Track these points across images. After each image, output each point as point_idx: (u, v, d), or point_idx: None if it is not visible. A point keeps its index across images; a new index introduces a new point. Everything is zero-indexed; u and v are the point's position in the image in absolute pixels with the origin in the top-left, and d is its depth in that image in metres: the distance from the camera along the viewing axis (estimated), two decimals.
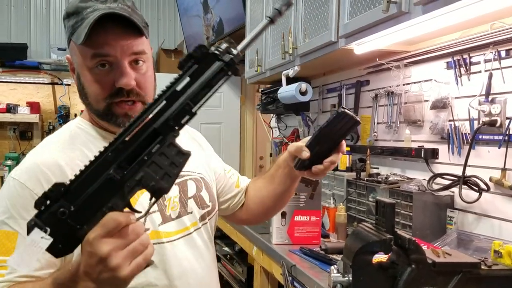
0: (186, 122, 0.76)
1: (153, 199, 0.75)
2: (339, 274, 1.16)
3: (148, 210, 0.76)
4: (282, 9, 0.79)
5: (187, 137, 1.24)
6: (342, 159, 2.32)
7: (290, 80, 2.65)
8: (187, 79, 0.75)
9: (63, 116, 5.15)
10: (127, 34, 0.95)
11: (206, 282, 1.12)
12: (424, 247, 1.36)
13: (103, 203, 0.71)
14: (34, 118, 5.40)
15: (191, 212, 1.12)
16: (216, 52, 0.75)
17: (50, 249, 0.69)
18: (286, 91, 2.57)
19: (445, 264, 1.09)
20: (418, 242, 1.07)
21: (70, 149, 0.99)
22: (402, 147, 2.05)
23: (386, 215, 1.08)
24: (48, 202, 0.70)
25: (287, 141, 3.30)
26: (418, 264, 1.08)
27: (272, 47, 2.74)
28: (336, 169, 2.36)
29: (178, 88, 0.75)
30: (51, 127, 5.24)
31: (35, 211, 0.79)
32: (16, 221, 0.89)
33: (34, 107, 5.44)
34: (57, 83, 5.31)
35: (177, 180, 0.97)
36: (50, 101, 5.54)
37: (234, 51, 0.76)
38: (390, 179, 2.00)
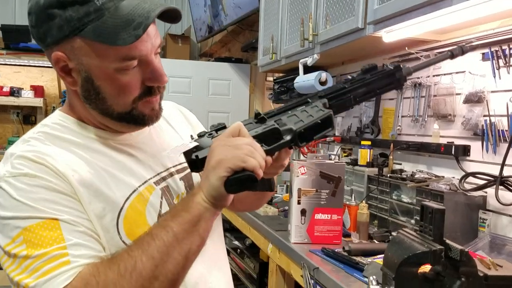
0: (340, 102, 0.92)
1: (284, 140, 0.84)
2: (378, 286, 1.05)
3: (279, 146, 0.84)
4: (465, 49, 0.95)
5: (182, 120, 1.13)
6: (363, 153, 2.21)
7: (307, 69, 2.53)
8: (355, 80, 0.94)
9: None
10: (153, 28, 0.84)
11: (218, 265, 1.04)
12: None
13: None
14: (38, 102, 5.31)
15: None
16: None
17: (188, 152, 0.82)
18: (304, 81, 2.45)
19: (498, 278, 0.99)
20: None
21: (57, 148, 0.84)
22: (430, 143, 1.93)
23: (434, 222, 0.97)
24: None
25: None
26: (469, 277, 0.97)
27: (289, 34, 2.61)
28: (356, 164, 2.25)
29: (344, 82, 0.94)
30: None
31: (62, 200, 0.78)
32: (45, 212, 0.76)
33: (38, 91, 5.34)
34: None
35: (181, 175, 0.99)
36: (54, 85, 5.43)
37: (406, 68, 0.94)
38: (416, 176, 1.88)
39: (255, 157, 0.76)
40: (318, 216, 1.75)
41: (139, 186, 0.89)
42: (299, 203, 1.73)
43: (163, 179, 0.94)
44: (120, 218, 0.84)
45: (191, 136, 0.85)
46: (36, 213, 0.75)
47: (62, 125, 0.89)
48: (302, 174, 1.73)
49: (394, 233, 1.90)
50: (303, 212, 1.74)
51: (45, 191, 0.77)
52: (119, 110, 0.86)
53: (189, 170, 1.00)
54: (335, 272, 1.46)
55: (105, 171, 0.85)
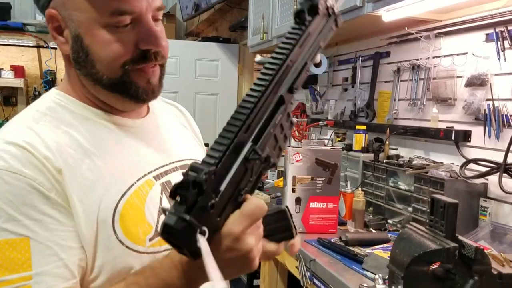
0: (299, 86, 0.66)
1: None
2: (384, 286, 0.98)
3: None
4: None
5: (186, 125, 1.02)
6: (358, 138, 2.13)
7: None
8: (304, 35, 0.65)
9: (49, 81, 4.85)
10: None
11: None
12: None
13: (237, 187, 0.58)
14: (18, 83, 5.10)
15: None
16: (329, 6, 0.70)
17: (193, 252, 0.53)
18: None
19: None
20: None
21: (53, 132, 0.75)
22: (429, 127, 1.86)
23: (447, 217, 0.90)
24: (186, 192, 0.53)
25: None
26: (482, 276, 0.90)
27: (281, 12, 2.49)
28: (350, 149, 2.17)
29: (299, 46, 0.64)
30: (36, 93, 4.96)
31: (43, 206, 0.68)
32: (19, 223, 0.67)
33: (18, 71, 5.14)
34: (42, 46, 4.99)
35: (183, 171, 0.83)
36: (35, 65, 5.23)
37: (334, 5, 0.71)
38: (414, 162, 1.81)
39: (257, 257, 0.63)
40: (314, 204, 1.67)
41: (137, 180, 0.79)
42: (293, 191, 1.66)
43: (166, 173, 0.85)
44: (116, 216, 0.74)
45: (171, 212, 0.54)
46: (8, 225, 0.66)
47: (61, 104, 0.80)
48: (297, 161, 1.65)
49: (390, 221, 1.84)
50: (297, 201, 1.67)
51: (25, 193, 0.68)
52: (108, 74, 0.76)
53: None
54: (332, 264, 1.39)
55: (103, 161, 0.76)
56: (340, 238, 1.56)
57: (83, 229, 0.72)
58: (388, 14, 1.71)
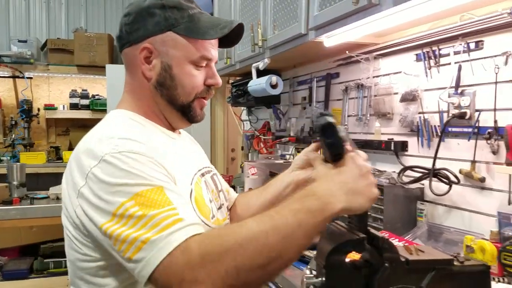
0: None
1: None
2: (312, 275, 1.13)
3: None
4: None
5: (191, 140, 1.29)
6: None
7: (260, 73, 2.61)
8: None
9: (26, 110, 4.93)
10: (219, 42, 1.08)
11: None
12: (397, 242, 1.36)
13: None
14: None
15: (223, 204, 1.19)
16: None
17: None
18: (257, 84, 2.53)
19: (418, 262, 1.08)
20: (390, 237, 1.06)
21: (143, 139, 0.96)
22: (373, 140, 2.04)
23: (359, 216, 1.06)
24: None
25: (258, 134, 3.26)
26: (392, 263, 1.06)
27: (242, 39, 2.67)
28: None
29: None
30: (13, 122, 5.03)
31: (167, 174, 0.91)
32: (151, 180, 0.85)
33: None
34: (18, 77, 5.08)
35: (210, 174, 1.18)
36: (11, 95, 5.31)
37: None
38: None
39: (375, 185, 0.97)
40: None
41: (194, 175, 1.06)
42: None
43: (203, 174, 1.12)
44: (192, 197, 1.00)
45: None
46: (144, 181, 0.84)
47: (133, 119, 1.03)
48: (252, 174, 1.80)
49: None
50: None
51: (150, 164, 0.88)
52: (183, 99, 1.04)
53: (213, 172, 1.22)
54: None
55: (170, 160, 0.98)
56: None
57: None
58: (329, 40, 1.90)
